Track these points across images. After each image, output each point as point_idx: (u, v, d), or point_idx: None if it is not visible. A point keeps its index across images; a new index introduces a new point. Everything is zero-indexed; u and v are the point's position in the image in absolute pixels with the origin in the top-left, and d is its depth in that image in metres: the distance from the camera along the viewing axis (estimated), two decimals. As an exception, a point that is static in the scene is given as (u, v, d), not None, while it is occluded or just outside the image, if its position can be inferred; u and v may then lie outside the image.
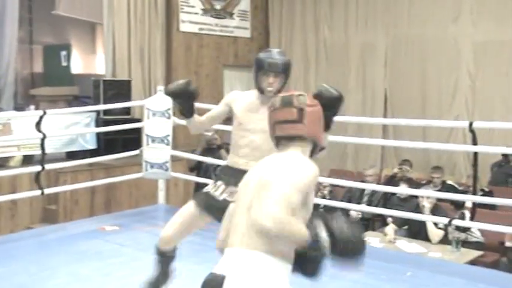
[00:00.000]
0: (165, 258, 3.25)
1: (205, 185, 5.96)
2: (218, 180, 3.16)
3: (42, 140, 5.20)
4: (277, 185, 1.89)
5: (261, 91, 3.06)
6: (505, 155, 7.69)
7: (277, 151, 2.16)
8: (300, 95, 2.15)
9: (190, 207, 3.15)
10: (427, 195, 5.54)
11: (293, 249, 1.91)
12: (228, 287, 1.89)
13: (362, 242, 1.87)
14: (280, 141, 2.15)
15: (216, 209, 2.98)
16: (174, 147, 6.19)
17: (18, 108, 9.87)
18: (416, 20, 8.95)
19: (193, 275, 4.07)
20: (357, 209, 6.40)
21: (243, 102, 3.14)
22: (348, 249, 1.84)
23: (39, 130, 5.14)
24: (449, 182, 7.20)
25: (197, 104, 3.28)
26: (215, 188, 3.13)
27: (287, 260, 1.94)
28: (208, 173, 6.04)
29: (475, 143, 4.39)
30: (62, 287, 3.85)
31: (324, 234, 1.84)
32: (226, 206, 2.54)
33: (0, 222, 6.45)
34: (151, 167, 5.90)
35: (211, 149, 6.01)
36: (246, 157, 3.01)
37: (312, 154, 2.17)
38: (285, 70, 3.02)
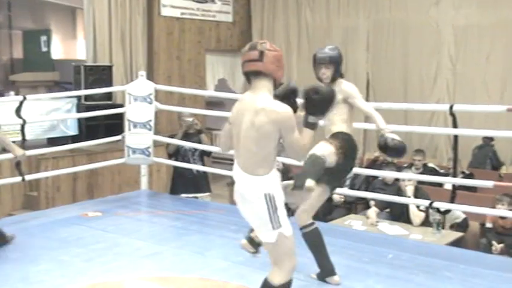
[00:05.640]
0: None
1: (184, 169, 5.98)
2: None
3: (22, 126, 5.15)
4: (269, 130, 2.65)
5: (320, 80, 3.61)
6: (485, 138, 7.78)
7: (250, 88, 2.76)
8: (263, 42, 2.77)
9: None
10: (409, 177, 5.59)
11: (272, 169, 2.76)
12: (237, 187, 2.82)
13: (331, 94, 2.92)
14: (249, 77, 2.76)
15: None
16: (156, 133, 6.17)
17: (-3, 94, 9.77)
18: (397, 4, 8.96)
19: (177, 258, 4.09)
20: (339, 193, 6.42)
21: None
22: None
23: (19, 116, 5.08)
24: (431, 164, 7.27)
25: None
26: None
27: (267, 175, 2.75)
28: (187, 157, 6.03)
29: (455, 126, 4.45)
30: (43, 273, 3.83)
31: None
32: None
33: (-19, 209, 6.40)
34: (134, 152, 5.88)
35: (190, 134, 6.02)
36: None
37: (275, 88, 2.79)
38: (332, 61, 3.60)
